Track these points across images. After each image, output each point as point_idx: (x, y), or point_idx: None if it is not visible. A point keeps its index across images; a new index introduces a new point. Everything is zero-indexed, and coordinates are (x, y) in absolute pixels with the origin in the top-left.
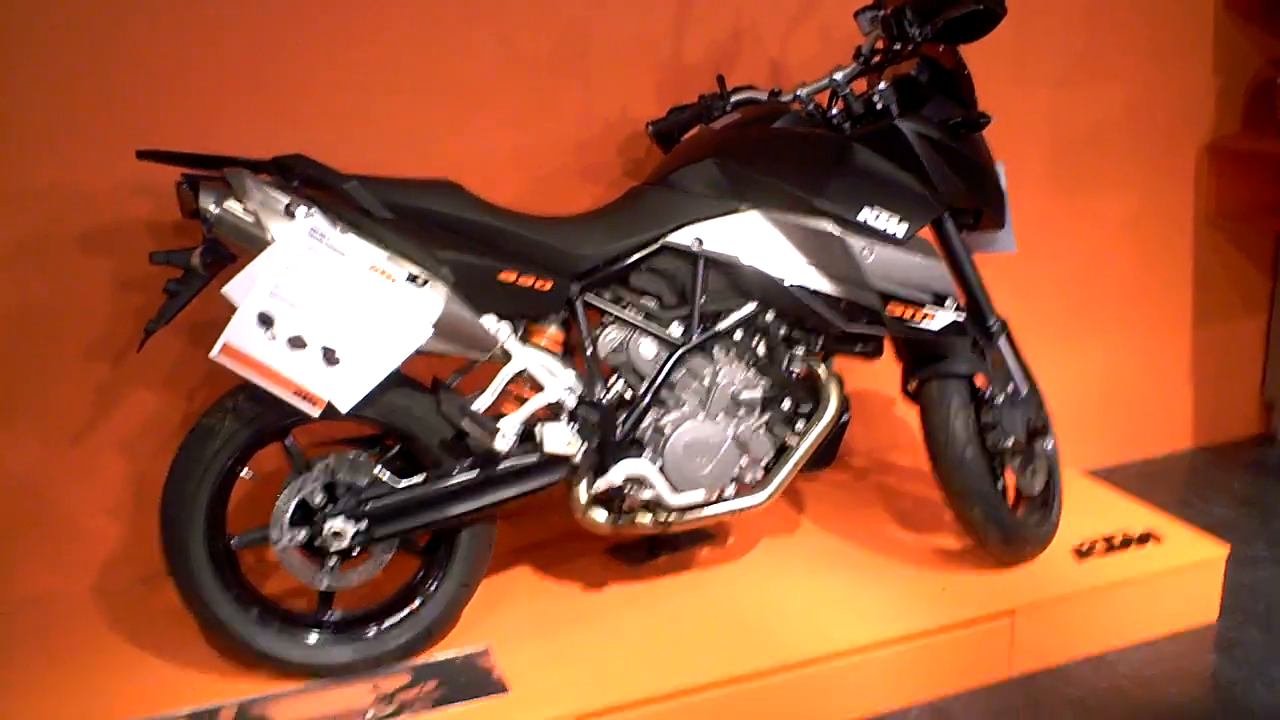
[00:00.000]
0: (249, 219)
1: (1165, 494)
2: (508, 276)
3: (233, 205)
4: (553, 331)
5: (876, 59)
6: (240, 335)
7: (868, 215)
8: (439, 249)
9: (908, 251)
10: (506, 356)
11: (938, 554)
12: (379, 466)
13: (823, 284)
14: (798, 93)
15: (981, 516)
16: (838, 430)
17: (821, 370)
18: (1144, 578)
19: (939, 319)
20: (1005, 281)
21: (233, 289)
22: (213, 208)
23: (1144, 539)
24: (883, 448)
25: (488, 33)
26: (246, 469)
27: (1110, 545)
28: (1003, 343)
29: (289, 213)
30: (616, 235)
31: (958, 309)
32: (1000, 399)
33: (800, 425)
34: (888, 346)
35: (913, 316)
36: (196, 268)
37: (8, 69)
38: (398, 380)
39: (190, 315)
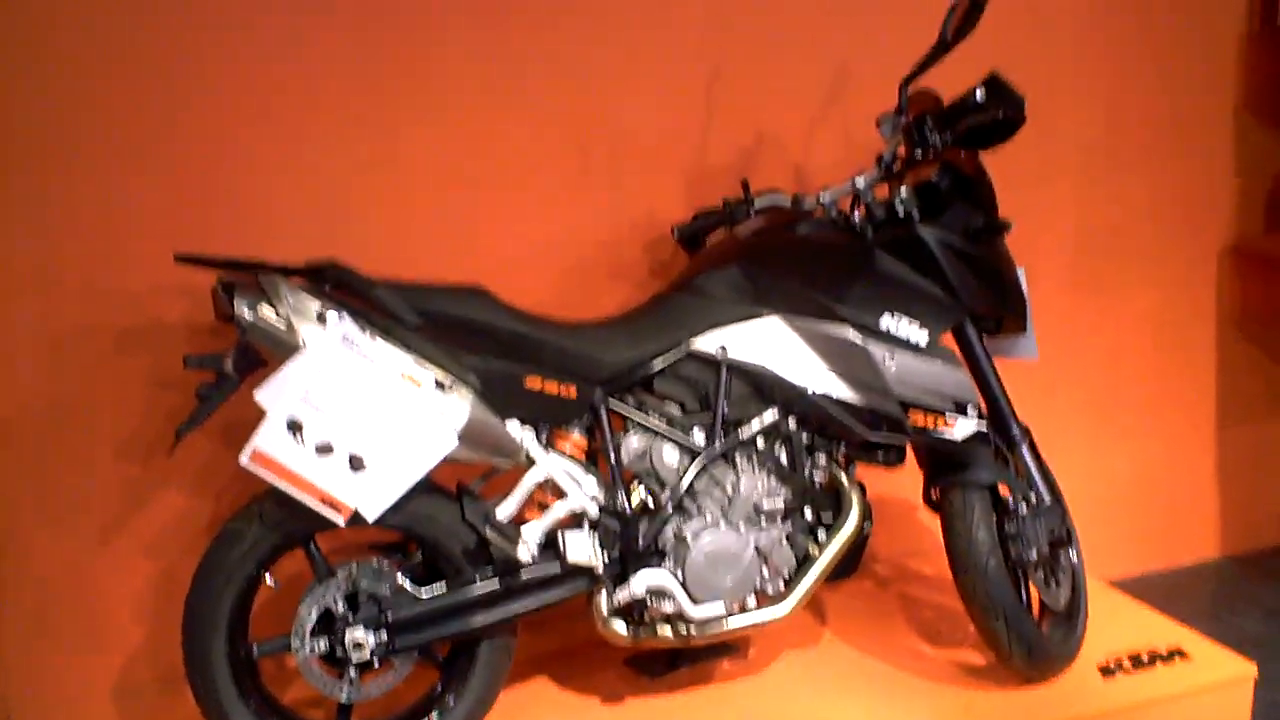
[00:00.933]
0: (281, 324)
1: (1192, 606)
2: (533, 383)
3: (266, 310)
4: (576, 437)
5: (898, 165)
6: (269, 441)
7: (889, 322)
8: (466, 355)
9: (929, 359)
10: (530, 462)
11: (961, 669)
12: (401, 574)
13: (845, 392)
14: (820, 198)
15: (1005, 630)
16: (860, 540)
17: (844, 478)
18: (1171, 697)
19: (961, 427)
20: (1027, 386)
21: (264, 394)
22: (247, 313)
23: (1171, 656)
24: (906, 554)
25: (521, 129)
26: (269, 576)
27: (1137, 662)
28: (1025, 450)
29: (320, 319)
30: (641, 341)
31: (980, 416)
32: (1023, 509)
33: (822, 535)
34: (909, 453)
35: (935, 425)
36: (229, 372)
37: (52, 168)
38: (422, 486)
39: (221, 416)
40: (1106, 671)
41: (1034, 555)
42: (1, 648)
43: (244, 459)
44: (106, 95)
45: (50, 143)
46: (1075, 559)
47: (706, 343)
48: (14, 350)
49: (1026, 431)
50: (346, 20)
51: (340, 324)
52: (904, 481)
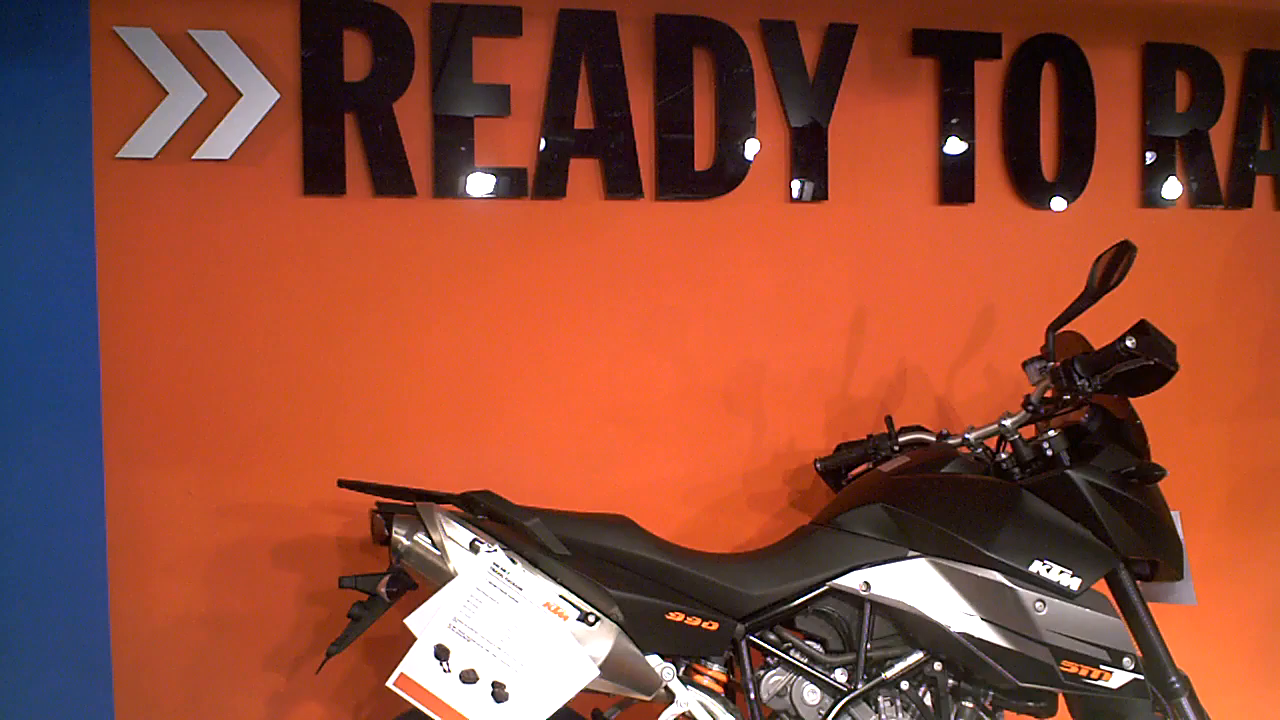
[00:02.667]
0: (435, 552)
1: None
2: (676, 617)
3: (421, 538)
4: (715, 671)
5: (1046, 409)
6: (416, 667)
7: (1039, 567)
8: (611, 587)
9: (1081, 606)
10: (669, 696)
11: None
12: None
13: (992, 636)
14: (966, 436)
15: None
16: None
17: None
18: None
19: (1116, 678)
20: (1183, 631)
21: (415, 621)
22: (404, 540)
23: None
24: None
25: (672, 372)
26: None
27: None
28: (1185, 702)
29: (473, 548)
30: (783, 577)
31: (1136, 667)
32: None
33: None
34: (1061, 702)
35: (1089, 675)
36: (381, 595)
37: (223, 393)
38: (560, 714)
39: (365, 632)
40: None
41: None
42: None
43: (391, 683)
44: (277, 322)
45: (220, 363)
46: None
47: (850, 580)
48: (176, 564)
49: (1186, 681)
50: (526, 268)
51: (491, 554)
52: None
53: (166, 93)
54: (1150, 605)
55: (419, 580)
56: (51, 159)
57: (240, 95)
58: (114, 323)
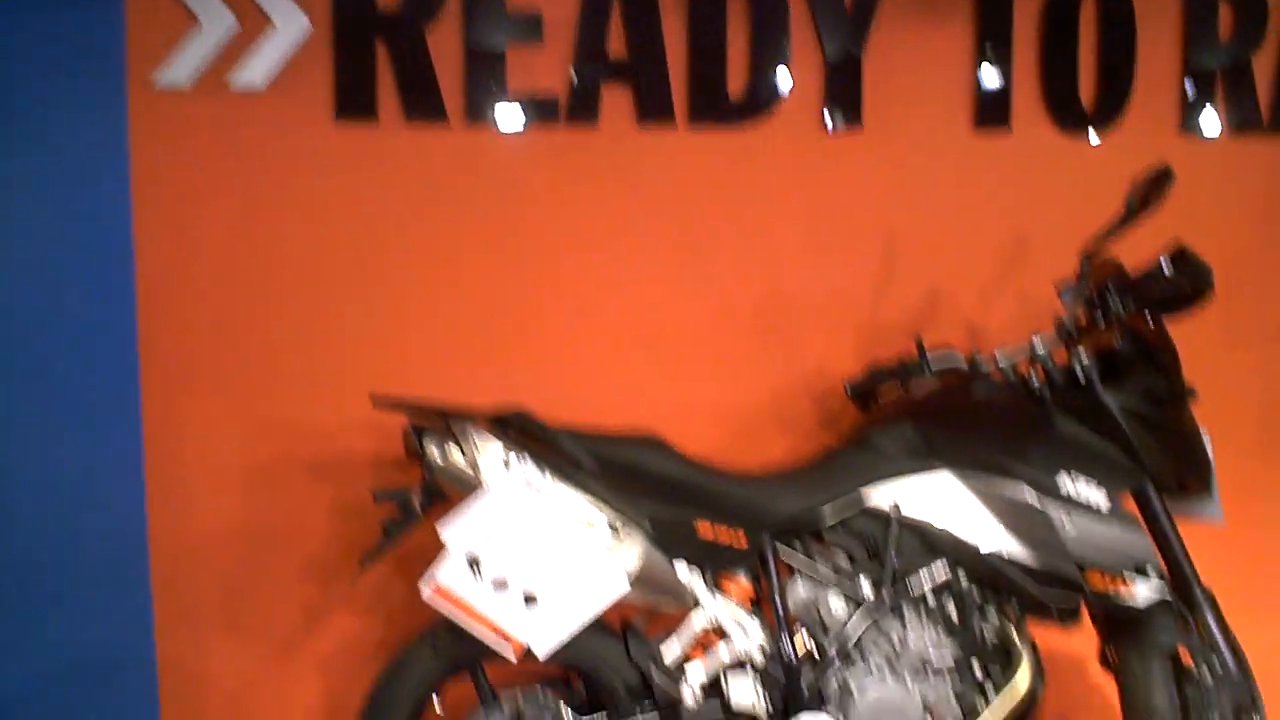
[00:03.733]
0: (467, 466)
1: None
2: (705, 529)
3: (454, 452)
4: (743, 582)
5: (1078, 331)
6: (450, 576)
7: (1067, 484)
8: (641, 501)
9: (1109, 521)
10: (697, 605)
11: None
12: (564, 706)
13: (1019, 551)
14: (997, 359)
15: None
16: (1030, 699)
17: (1015, 636)
18: None
19: (1141, 590)
20: (1210, 550)
21: (447, 531)
22: (436, 455)
23: None
24: (1074, 710)
25: (702, 291)
26: (437, 700)
27: None
28: (1209, 615)
29: (505, 462)
30: (813, 492)
31: (1161, 580)
32: (1206, 676)
33: (991, 690)
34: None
35: (1113, 587)
36: (414, 508)
37: (259, 311)
38: (590, 623)
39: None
40: None
41: None
42: None
43: (425, 592)
44: (312, 240)
45: (257, 282)
46: None
47: (879, 496)
48: (216, 479)
49: (1210, 596)
50: (559, 195)
51: (523, 467)
52: (1075, 638)
53: (199, 21)
54: (1178, 522)
55: (451, 494)
56: (86, 89)
57: (272, 23)
58: (149, 249)
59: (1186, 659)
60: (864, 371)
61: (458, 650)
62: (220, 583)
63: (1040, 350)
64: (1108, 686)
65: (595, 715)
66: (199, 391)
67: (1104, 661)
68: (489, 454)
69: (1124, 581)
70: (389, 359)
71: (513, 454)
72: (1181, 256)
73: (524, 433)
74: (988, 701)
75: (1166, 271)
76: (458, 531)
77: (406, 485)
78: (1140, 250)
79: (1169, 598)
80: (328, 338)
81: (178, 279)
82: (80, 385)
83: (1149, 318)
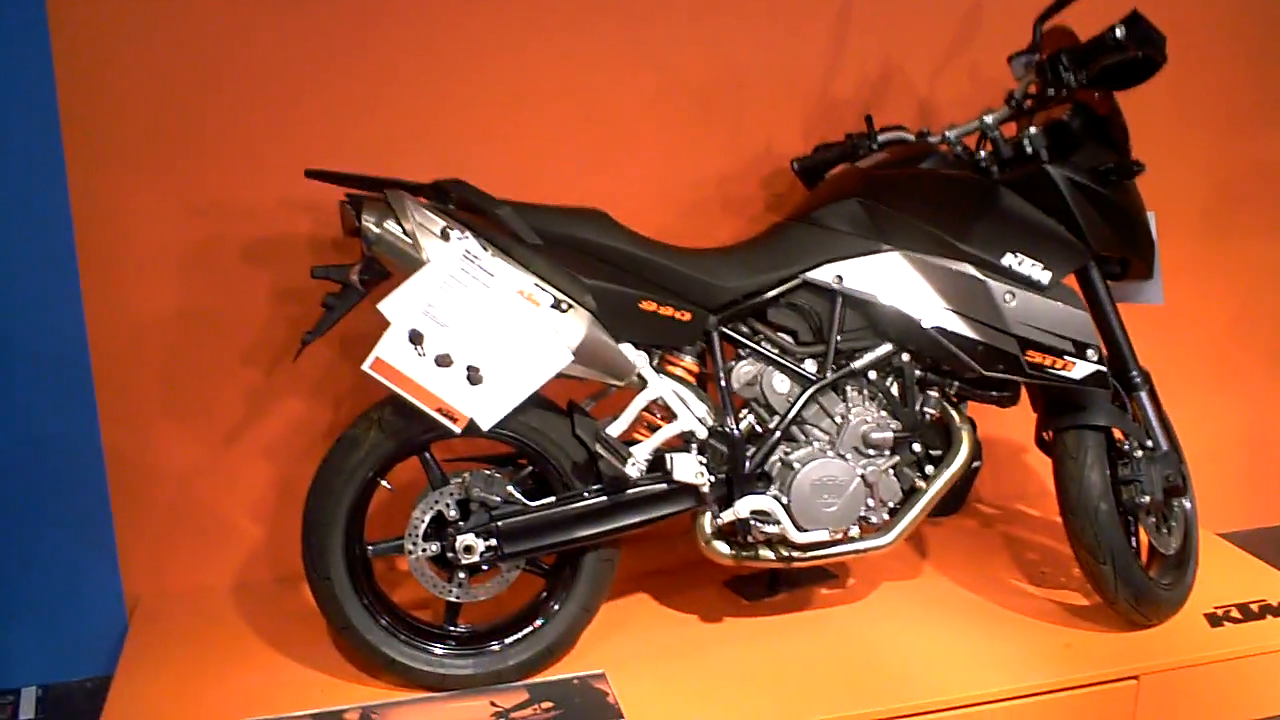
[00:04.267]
0: (406, 239)
1: None
2: (649, 306)
3: (392, 225)
4: (688, 362)
5: (1029, 104)
6: (391, 350)
7: (1011, 260)
8: (584, 276)
9: (1050, 298)
10: (642, 384)
11: (1063, 609)
12: (511, 485)
13: (961, 327)
14: (946, 134)
15: (1112, 573)
16: (968, 476)
17: (955, 414)
18: None
19: (1079, 368)
20: (1150, 332)
21: (387, 306)
22: (373, 227)
23: None
24: (1012, 496)
25: (647, 65)
26: (385, 480)
27: (1246, 613)
28: (1144, 396)
29: (444, 235)
30: (757, 269)
31: (1099, 359)
32: (1139, 454)
33: (930, 469)
34: (1023, 394)
35: (1052, 365)
36: (354, 284)
37: (184, 90)
38: (535, 402)
39: (341, 327)
40: (1214, 620)
41: (1146, 500)
42: (131, 542)
43: (366, 366)
44: (239, 15)
45: (183, 61)
46: (1189, 507)
47: (823, 273)
48: (148, 263)
49: (1147, 376)
50: None
51: (463, 241)
52: (1013, 424)
53: None
54: (1119, 304)
55: (391, 269)
56: None
57: None
58: (65, 18)
59: (1121, 437)
60: (812, 149)
61: (404, 429)
62: (162, 370)
63: (990, 124)
64: (1044, 471)
65: (543, 499)
66: (129, 169)
67: (1040, 443)
68: (427, 227)
69: (1063, 360)
70: (324, 138)
71: (454, 227)
72: (1134, 22)
73: (464, 205)
74: (927, 480)
75: (1119, 35)
76: (397, 304)
77: (347, 263)
78: (1099, 23)
79: (1106, 377)
80: (260, 110)
81: (100, 51)
82: (2, 164)
83: (1099, 90)
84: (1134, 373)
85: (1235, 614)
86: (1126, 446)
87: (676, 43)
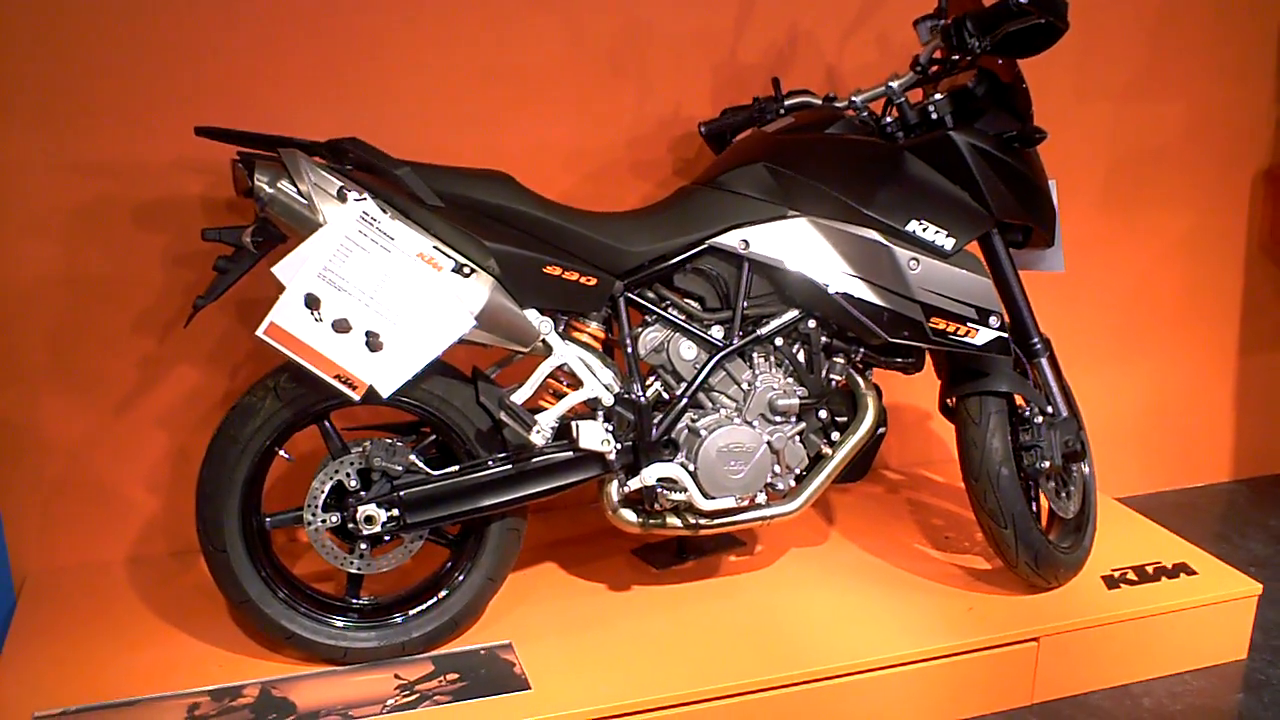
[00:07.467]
0: (301, 200)
1: (1201, 527)
2: (553, 270)
3: (286, 186)
4: (594, 328)
5: (934, 69)
6: (286, 315)
7: (915, 226)
8: (487, 239)
9: (954, 265)
10: (547, 350)
11: (966, 573)
12: (414, 454)
13: (866, 293)
14: (853, 99)
15: (1013, 537)
16: (873, 443)
17: (860, 381)
18: (1174, 610)
19: (982, 335)
20: (1051, 301)
21: (281, 269)
22: (266, 187)
23: (1176, 571)
24: (917, 463)
25: (553, 24)
26: (283, 450)
27: (1142, 575)
28: (1045, 363)
29: (341, 196)
30: (663, 234)
31: (1001, 326)
32: (1039, 420)
33: (836, 435)
34: (928, 361)
35: (955, 331)
36: (247, 246)
37: (72, 45)
38: (438, 369)
39: (237, 293)
40: (1111, 583)
41: (1046, 465)
42: (18, 515)
43: (260, 331)
44: None
45: (71, 14)
46: (1087, 472)
47: (729, 238)
48: (33, 224)
49: (1048, 344)
50: None
51: (361, 202)
52: (918, 392)
53: None
54: (1021, 273)
55: (286, 231)
56: None
57: None
58: None
59: (1022, 403)
60: (719, 113)
61: (301, 396)
62: (49, 337)
63: (896, 89)
64: (949, 437)
65: (448, 469)
66: (11, 131)
67: (944, 409)
68: (323, 187)
69: (966, 326)
70: (216, 94)
71: (351, 188)
72: None
73: (362, 165)
74: (833, 446)
75: (1022, 2)
76: (292, 268)
77: (240, 225)
78: None
79: (1008, 344)
80: (148, 66)
81: None
82: None
83: (1002, 56)
84: (1035, 340)
85: (1131, 576)
86: (1027, 413)
87: (584, 0)
